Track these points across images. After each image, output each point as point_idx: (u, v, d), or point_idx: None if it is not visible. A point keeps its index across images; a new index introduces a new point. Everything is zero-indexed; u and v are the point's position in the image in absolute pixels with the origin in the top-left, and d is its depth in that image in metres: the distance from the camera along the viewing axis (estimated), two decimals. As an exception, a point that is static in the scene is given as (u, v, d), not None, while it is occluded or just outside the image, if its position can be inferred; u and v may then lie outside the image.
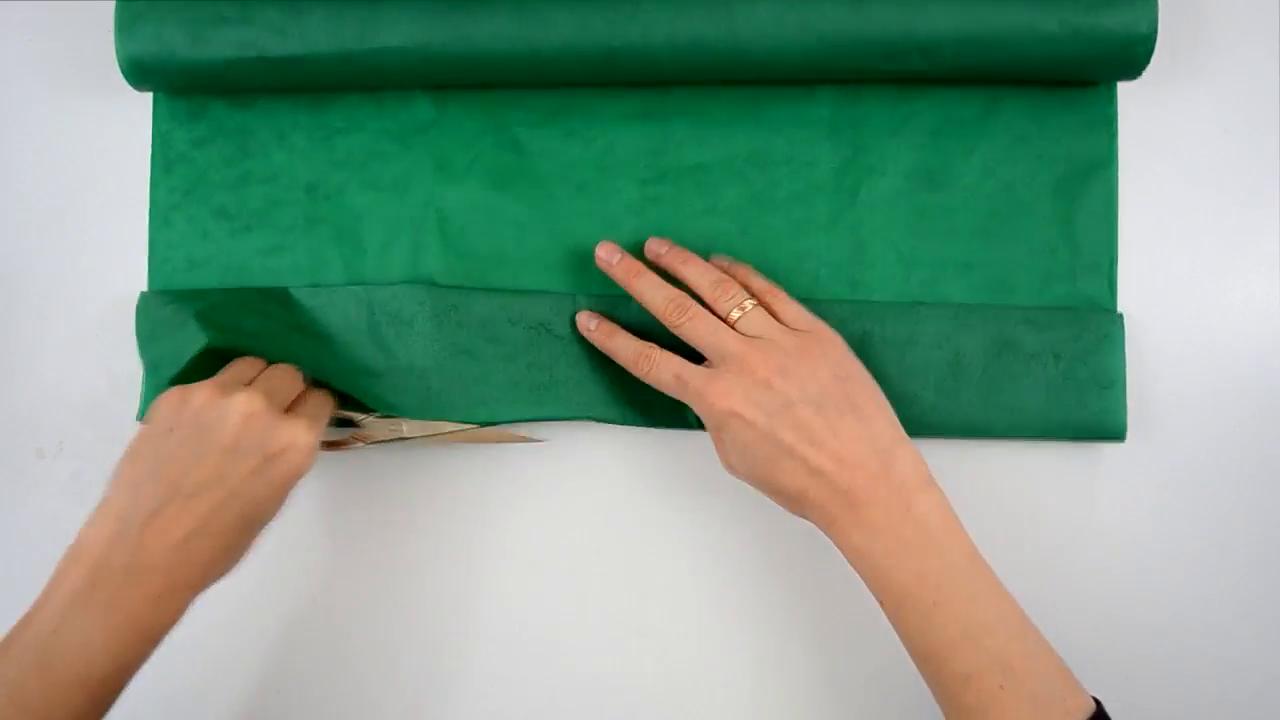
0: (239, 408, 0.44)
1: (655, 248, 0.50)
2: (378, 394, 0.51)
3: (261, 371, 0.48)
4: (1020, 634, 0.42)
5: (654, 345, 0.48)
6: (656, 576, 0.53)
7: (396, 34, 0.48)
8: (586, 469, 0.53)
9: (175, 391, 0.45)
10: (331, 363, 0.52)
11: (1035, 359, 0.51)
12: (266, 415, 0.44)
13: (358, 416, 0.51)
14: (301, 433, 0.45)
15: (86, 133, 0.54)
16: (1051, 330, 0.51)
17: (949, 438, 0.51)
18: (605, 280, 0.51)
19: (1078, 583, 0.51)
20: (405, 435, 0.52)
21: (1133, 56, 0.48)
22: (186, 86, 0.51)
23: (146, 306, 0.53)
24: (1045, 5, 0.47)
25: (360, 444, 0.52)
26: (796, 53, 0.48)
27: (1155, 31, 0.47)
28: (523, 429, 0.53)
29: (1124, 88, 0.52)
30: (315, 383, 0.50)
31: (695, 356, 0.47)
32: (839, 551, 0.44)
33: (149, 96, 0.53)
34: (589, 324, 0.51)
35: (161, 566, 0.41)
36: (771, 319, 0.47)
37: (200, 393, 0.44)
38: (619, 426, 0.52)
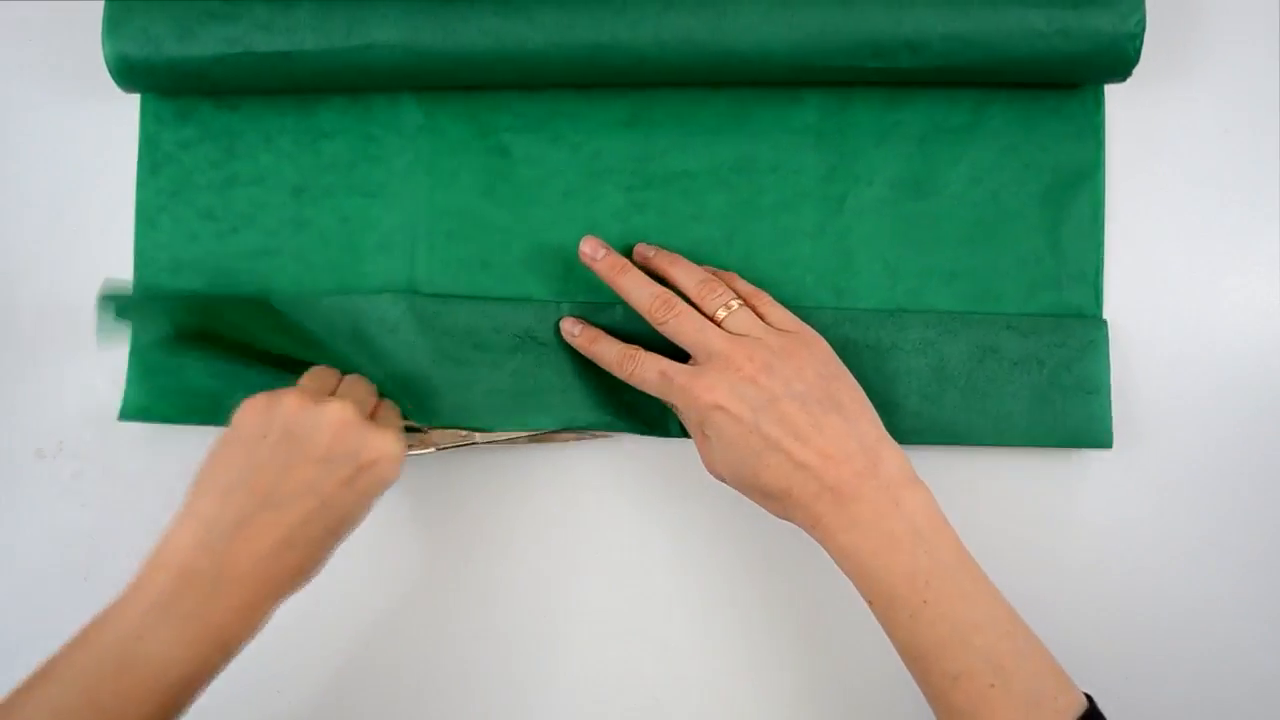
0: (332, 417, 0.43)
1: (644, 251, 0.50)
2: None
3: (341, 380, 0.47)
4: (1010, 632, 0.41)
5: (638, 347, 0.48)
6: (651, 581, 0.52)
7: (383, 31, 0.48)
8: (584, 474, 0.53)
9: (262, 397, 0.44)
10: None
11: (1019, 365, 0.51)
12: (359, 425, 0.44)
13: (422, 426, 0.51)
14: (391, 443, 0.44)
15: (79, 135, 0.54)
16: (1035, 336, 0.51)
17: (934, 445, 0.51)
18: (590, 287, 0.51)
19: (1065, 589, 0.51)
20: (477, 441, 0.51)
21: (1121, 55, 0.47)
22: (174, 86, 0.51)
23: (117, 304, 0.51)
24: (1033, 3, 0.47)
25: (432, 449, 0.51)
26: (784, 50, 0.48)
27: (1143, 30, 0.47)
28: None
29: (1116, 90, 0.51)
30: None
31: (680, 359, 0.47)
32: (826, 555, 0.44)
33: (136, 98, 0.53)
34: (573, 329, 0.51)
35: (248, 577, 0.41)
36: (757, 319, 0.47)
37: (288, 399, 0.44)
38: (613, 434, 0.52)
